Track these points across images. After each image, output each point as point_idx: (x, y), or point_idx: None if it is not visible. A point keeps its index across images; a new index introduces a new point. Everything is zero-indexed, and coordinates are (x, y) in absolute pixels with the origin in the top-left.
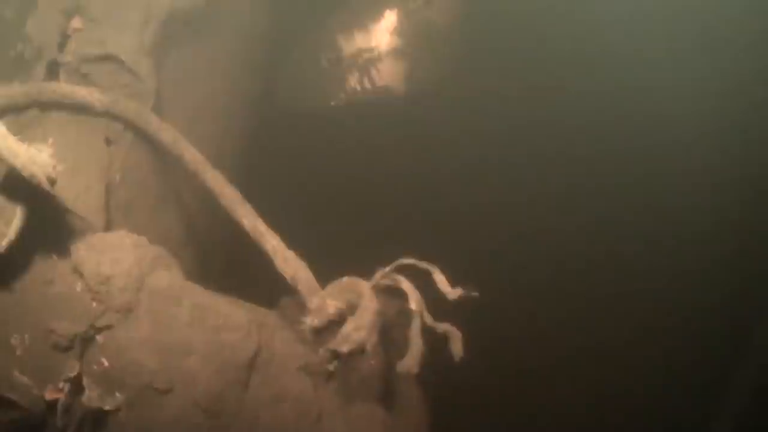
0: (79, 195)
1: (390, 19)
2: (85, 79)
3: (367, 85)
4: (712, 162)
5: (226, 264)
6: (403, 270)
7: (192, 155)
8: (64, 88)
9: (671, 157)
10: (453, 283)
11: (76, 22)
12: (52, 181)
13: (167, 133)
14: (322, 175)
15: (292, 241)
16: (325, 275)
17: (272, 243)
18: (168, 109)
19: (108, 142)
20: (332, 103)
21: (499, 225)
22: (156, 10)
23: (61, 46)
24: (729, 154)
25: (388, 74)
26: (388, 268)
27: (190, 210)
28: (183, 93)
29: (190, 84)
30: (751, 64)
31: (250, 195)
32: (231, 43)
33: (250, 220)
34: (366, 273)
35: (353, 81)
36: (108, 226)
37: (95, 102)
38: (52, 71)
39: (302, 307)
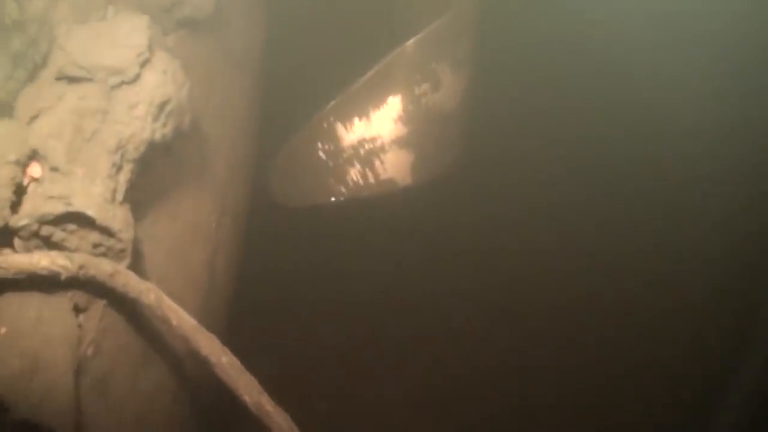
0: (42, 399)
1: (394, 105)
2: (46, 244)
3: (370, 178)
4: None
5: (222, 423)
6: None
7: (180, 318)
8: (19, 260)
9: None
10: None
11: (33, 170)
12: None
13: (149, 294)
14: (322, 280)
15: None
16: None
17: (280, 425)
18: (151, 251)
19: (77, 310)
20: (331, 199)
21: (523, 331)
22: (131, 148)
23: (15, 205)
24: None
25: (393, 166)
26: None
27: (179, 363)
28: (167, 229)
29: (175, 214)
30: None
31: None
32: (219, 153)
33: (253, 396)
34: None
35: (354, 174)
36: (79, 422)
37: (60, 270)
38: (4, 238)
39: None
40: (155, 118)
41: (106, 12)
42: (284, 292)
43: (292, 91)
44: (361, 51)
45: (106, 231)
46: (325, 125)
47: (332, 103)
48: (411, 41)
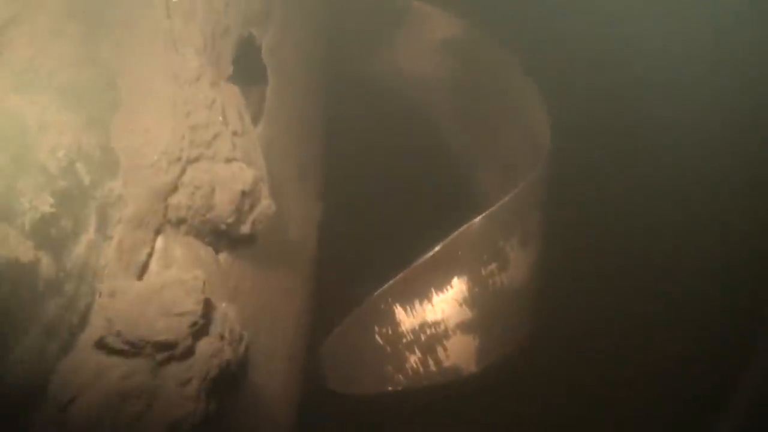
0: None
1: (459, 287)
2: None
3: (432, 366)
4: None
5: None
6: None
7: None
8: None
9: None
10: None
11: None
12: None
13: None
14: None
15: None
16: None
17: None
18: None
19: None
20: (389, 388)
21: None
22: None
23: None
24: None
25: (457, 352)
26: None
27: None
28: None
29: None
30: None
31: None
32: (271, 369)
33: None
34: None
35: (414, 361)
36: None
37: None
38: None
39: None
40: (210, 393)
41: (155, 245)
42: None
43: (347, 273)
44: (423, 229)
45: None
46: (382, 307)
47: (390, 283)
48: (478, 218)
